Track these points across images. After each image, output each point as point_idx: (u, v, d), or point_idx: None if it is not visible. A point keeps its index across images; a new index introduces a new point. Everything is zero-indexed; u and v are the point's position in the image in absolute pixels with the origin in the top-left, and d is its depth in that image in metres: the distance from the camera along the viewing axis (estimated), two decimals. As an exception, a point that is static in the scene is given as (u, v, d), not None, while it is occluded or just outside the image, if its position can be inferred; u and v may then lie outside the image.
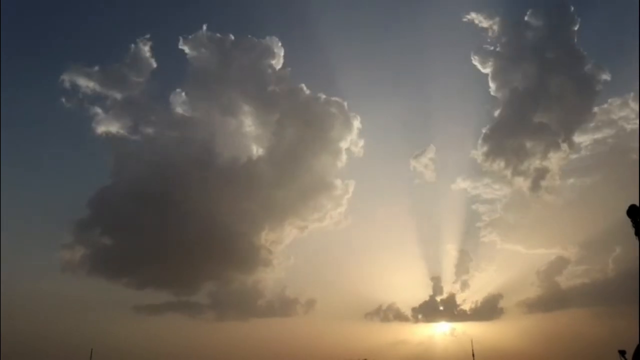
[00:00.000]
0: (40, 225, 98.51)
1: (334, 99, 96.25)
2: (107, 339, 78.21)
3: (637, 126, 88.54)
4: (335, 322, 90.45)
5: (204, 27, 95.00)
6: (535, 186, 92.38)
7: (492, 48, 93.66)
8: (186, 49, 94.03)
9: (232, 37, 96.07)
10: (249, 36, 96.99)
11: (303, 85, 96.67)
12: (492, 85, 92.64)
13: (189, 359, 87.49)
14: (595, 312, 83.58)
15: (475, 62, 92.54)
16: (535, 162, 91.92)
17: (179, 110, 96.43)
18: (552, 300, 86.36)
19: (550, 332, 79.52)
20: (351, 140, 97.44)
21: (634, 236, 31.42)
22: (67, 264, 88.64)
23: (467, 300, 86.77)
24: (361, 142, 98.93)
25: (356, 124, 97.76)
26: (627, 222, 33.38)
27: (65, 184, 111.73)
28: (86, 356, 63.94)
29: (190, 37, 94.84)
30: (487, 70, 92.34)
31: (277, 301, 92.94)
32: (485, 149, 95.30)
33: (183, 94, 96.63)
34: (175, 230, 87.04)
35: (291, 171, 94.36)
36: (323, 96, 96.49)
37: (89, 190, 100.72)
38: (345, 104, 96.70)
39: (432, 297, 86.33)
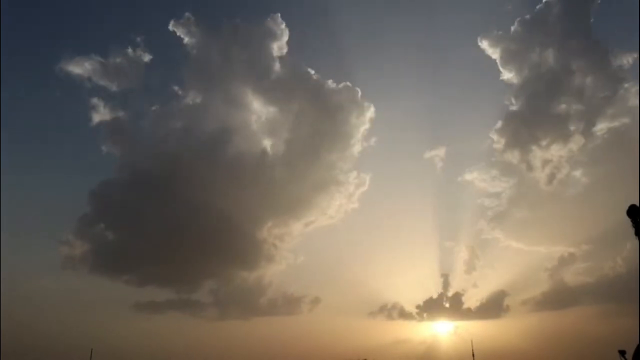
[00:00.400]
0: (40, 221, 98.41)
1: (345, 84, 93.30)
2: (108, 337, 77.75)
3: None
4: (339, 321, 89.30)
5: (192, 10, 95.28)
6: (551, 179, 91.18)
7: (506, 33, 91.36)
8: (178, 32, 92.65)
9: (225, 21, 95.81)
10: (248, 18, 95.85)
11: (310, 70, 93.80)
12: (508, 73, 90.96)
13: (191, 358, 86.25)
14: (604, 309, 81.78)
15: (484, 46, 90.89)
16: (551, 153, 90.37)
17: (181, 102, 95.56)
18: (559, 298, 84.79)
19: (557, 330, 78.12)
20: (363, 134, 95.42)
21: (634, 236, 30.43)
22: (67, 262, 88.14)
23: (472, 298, 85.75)
24: (373, 134, 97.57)
25: (369, 114, 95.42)
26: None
27: (65, 178, 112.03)
28: (86, 355, 63.29)
29: (181, 20, 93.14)
30: (499, 56, 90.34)
31: (280, 299, 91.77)
32: (501, 141, 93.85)
33: (185, 84, 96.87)
34: (177, 225, 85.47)
35: (298, 163, 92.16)
36: (332, 83, 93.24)
37: (90, 184, 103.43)
38: (359, 90, 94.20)
39: (436, 295, 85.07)
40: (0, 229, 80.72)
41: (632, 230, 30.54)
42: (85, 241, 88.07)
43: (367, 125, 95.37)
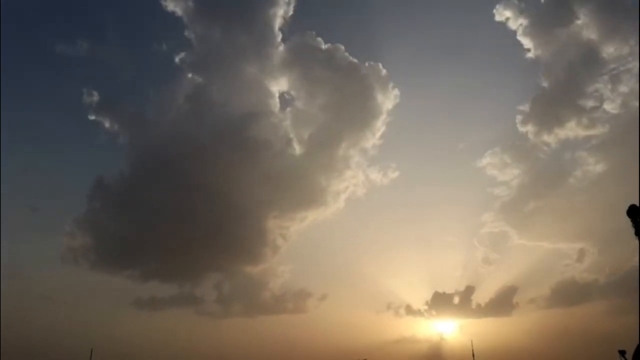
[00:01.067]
0: (39, 214, 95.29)
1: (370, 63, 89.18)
2: (108, 334, 76.93)
3: None
4: (345, 318, 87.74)
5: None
6: (568, 166, 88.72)
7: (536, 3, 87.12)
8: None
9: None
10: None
11: (320, 40, 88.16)
12: (534, 49, 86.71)
13: (194, 357, 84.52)
14: (616, 306, 79.14)
15: (501, 17, 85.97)
16: (572, 138, 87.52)
17: (185, 88, 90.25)
18: (569, 294, 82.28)
19: (567, 328, 76.56)
20: (384, 120, 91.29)
21: (634, 236, 30.42)
22: (67, 258, 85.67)
23: (481, 295, 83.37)
24: (395, 120, 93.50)
25: (393, 98, 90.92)
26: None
27: (65, 170, 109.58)
28: (86, 352, 62.12)
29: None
30: (523, 30, 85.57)
31: (287, 295, 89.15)
32: (528, 127, 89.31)
33: (188, 66, 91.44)
34: (180, 218, 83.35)
35: (310, 152, 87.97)
36: (350, 56, 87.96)
37: (90, 176, 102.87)
38: (380, 65, 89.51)
39: (445, 292, 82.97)
40: (-1, 223, 78.40)
41: (631, 231, 30.63)
42: (87, 235, 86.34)
43: (389, 111, 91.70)
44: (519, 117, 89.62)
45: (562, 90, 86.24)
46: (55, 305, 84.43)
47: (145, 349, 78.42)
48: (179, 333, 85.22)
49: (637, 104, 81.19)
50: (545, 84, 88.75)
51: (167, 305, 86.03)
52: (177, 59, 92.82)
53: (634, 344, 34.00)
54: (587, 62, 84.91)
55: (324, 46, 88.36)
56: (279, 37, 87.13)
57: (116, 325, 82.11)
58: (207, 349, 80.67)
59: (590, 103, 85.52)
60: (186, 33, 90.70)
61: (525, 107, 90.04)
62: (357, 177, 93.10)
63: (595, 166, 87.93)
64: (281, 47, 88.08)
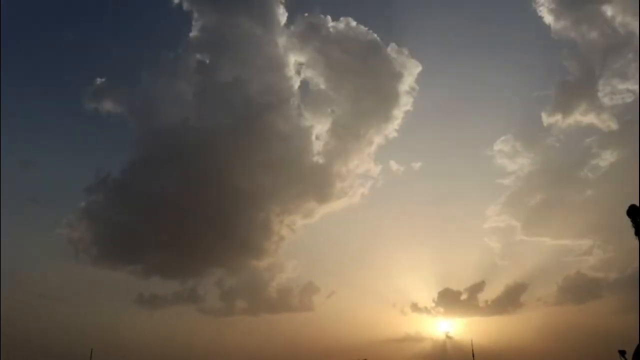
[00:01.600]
0: (38, 208, 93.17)
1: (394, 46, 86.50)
2: (108, 332, 76.44)
3: None
4: (350, 316, 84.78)
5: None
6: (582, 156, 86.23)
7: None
8: None
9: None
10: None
11: (328, 18, 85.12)
12: (558, 30, 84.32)
13: (195, 355, 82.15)
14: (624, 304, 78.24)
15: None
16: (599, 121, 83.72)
17: (188, 74, 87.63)
18: (577, 292, 79.77)
19: (576, 326, 75.24)
20: (401, 109, 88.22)
21: (634, 236, 30.37)
22: (68, 252, 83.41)
23: (487, 293, 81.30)
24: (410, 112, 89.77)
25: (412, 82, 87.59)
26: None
27: (66, 161, 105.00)
28: (87, 350, 61.49)
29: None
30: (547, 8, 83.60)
31: (293, 292, 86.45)
32: (550, 116, 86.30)
33: (195, 51, 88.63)
34: (184, 212, 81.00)
35: (324, 141, 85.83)
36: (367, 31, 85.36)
37: (91, 168, 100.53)
38: (397, 45, 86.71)
39: (453, 289, 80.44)
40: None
41: (632, 230, 30.56)
42: (88, 229, 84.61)
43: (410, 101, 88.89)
44: (540, 103, 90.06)
45: (586, 75, 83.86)
46: (55, 302, 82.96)
47: (147, 347, 77.51)
48: (181, 331, 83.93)
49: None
50: (571, 68, 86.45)
51: (169, 303, 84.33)
52: (179, 45, 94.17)
53: (635, 343, 34.00)
54: (617, 45, 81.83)
55: (331, 23, 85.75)
56: (285, 16, 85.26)
57: (118, 322, 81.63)
58: (209, 347, 79.98)
59: (614, 83, 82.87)
60: (188, 15, 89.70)
61: (546, 92, 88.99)
62: (371, 170, 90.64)
63: (611, 154, 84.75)
64: (286, 27, 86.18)
